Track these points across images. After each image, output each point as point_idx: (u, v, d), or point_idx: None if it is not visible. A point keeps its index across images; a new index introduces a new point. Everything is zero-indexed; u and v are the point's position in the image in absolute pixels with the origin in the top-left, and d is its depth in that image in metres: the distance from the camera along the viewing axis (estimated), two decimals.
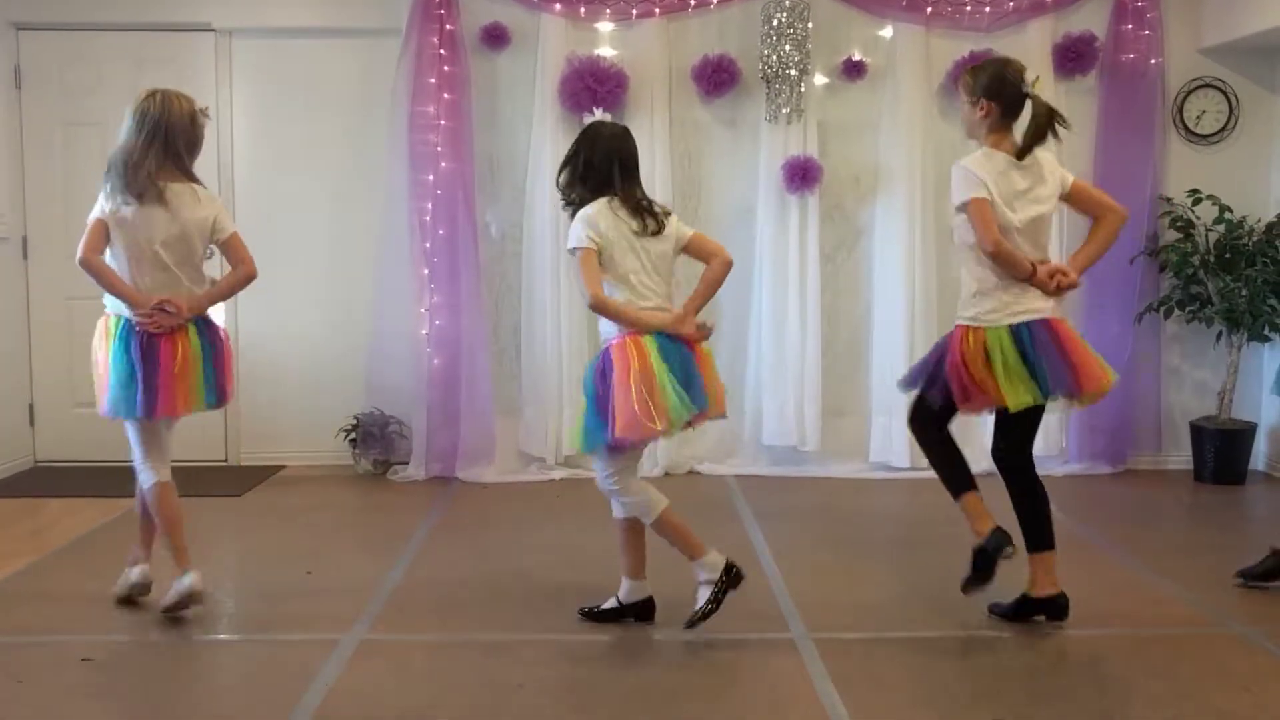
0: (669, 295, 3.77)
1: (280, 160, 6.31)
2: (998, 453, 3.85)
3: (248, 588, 4.32)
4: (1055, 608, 3.78)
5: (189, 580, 3.82)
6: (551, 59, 6.05)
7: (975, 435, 5.47)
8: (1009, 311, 3.67)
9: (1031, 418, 3.78)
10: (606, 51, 6.11)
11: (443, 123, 6.01)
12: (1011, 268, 3.64)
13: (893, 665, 3.55)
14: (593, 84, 5.93)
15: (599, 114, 3.91)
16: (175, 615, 3.85)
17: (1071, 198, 3.82)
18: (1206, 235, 6.09)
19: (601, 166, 3.71)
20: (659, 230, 3.73)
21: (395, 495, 5.86)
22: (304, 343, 6.36)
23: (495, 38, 6.10)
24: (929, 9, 6.10)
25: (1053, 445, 6.12)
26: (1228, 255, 5.99)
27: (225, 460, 6.45)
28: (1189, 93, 6.23)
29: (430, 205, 6.05)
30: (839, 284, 6.29)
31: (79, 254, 3.72)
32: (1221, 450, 6.01)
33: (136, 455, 3.91)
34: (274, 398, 6.36)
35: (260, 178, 6.31)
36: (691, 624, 3.73)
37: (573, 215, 3.75)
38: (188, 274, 3.87)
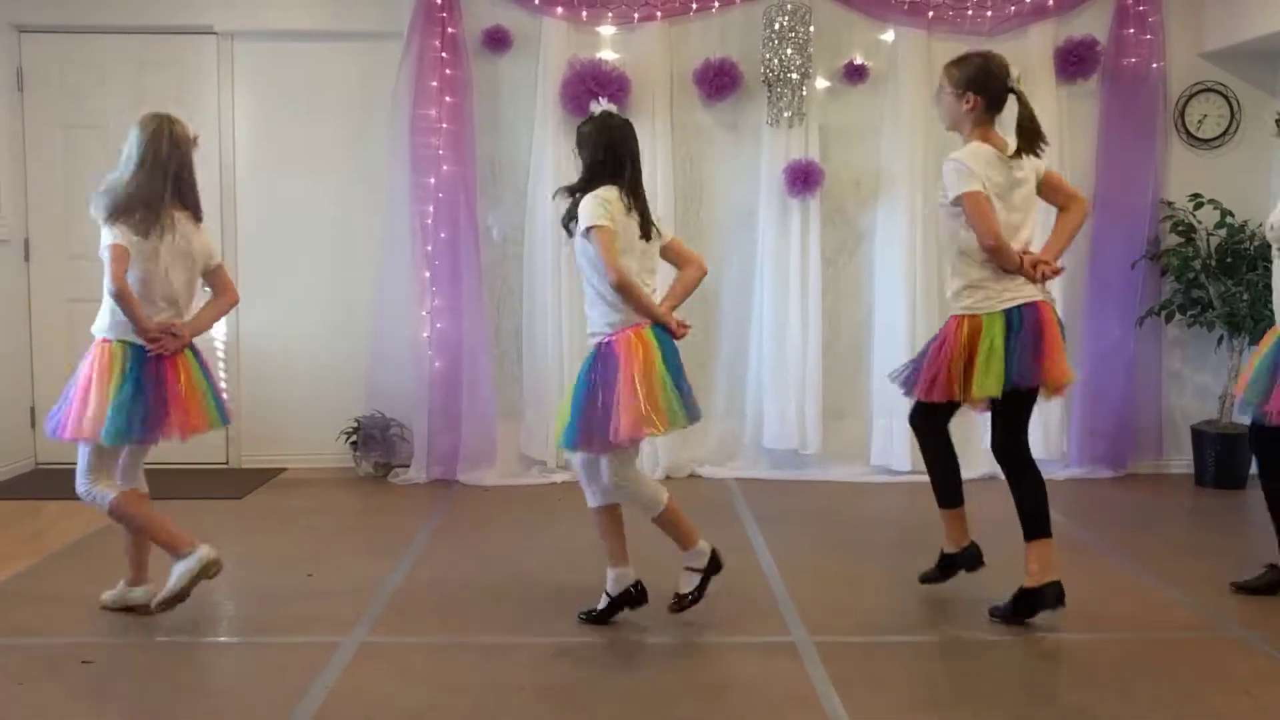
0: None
1: (282, 163, 6.31)
2: (996, 446, 3.89)
3: (248, 590, 4.32)
4: (1053, 593, 3.80)
5: (202, 551, 3.80)
6: (553, 62, 6.06)
7: (975, 436, 5.50)
8: (1002, 298, 3.73)
9: (1026, 409, 3.83)
10: (608, 55, 6.12)
11: (444, 126, 6.02)
12: (1005, 260, 3.70)
13: (893, 668, 3.55)
14: (594, 87, 5.92)
15: (605, 104, 3.91)
16: (186, 592, 3.79)
17: (1043, 187, 3.90)
18: (1208, 239, 6.09)
19: (619, 157, 3.73)
20: (650, 237, 3.78)
21: (396, 498, 5.86)
22: (305, 345, 6.36)
23: (497, 41, 6.11)
24: (930, 13, 6.10)
25: (1054, 449, 6.12)
26: (1229, 259, 6.00)
27: (226, 463, 6.46)
28: (1190, 97, 6.23)
29: (432, 208, 6.05)
30: (840, 287, 6.29)
31: (113, 286, 3.68)
32: (1222, 455, 6.01)
33: (86, 480, 3.82)
34: (275, 400, 6.36)
35: (262, 180, 6.32)
36: (681, 608, 3.80)
37: (573, 201, 3.74)
38: (185, 300, 3.94)
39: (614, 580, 3.84)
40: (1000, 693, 3.36)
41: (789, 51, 5.98)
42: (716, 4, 6.13)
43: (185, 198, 3.88)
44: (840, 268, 6.30)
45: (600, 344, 3.69)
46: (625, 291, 3.62)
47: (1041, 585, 3.78)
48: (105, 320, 3.82)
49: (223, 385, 5.92)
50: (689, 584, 3.81)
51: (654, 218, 3.81)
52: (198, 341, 3.98)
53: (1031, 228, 3.84)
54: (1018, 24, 6.13)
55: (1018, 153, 3.74)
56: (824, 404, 6.19)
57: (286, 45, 6.28)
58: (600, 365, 3.65)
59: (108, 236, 3.73)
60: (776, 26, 5.98)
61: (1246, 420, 4.45)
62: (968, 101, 3.77)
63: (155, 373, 3.79)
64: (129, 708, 3.29)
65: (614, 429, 3.55)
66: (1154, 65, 6.10)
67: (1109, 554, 4.77)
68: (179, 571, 3.80)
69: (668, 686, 3.42)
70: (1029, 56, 6.06)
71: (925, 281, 6.10)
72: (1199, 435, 6.11)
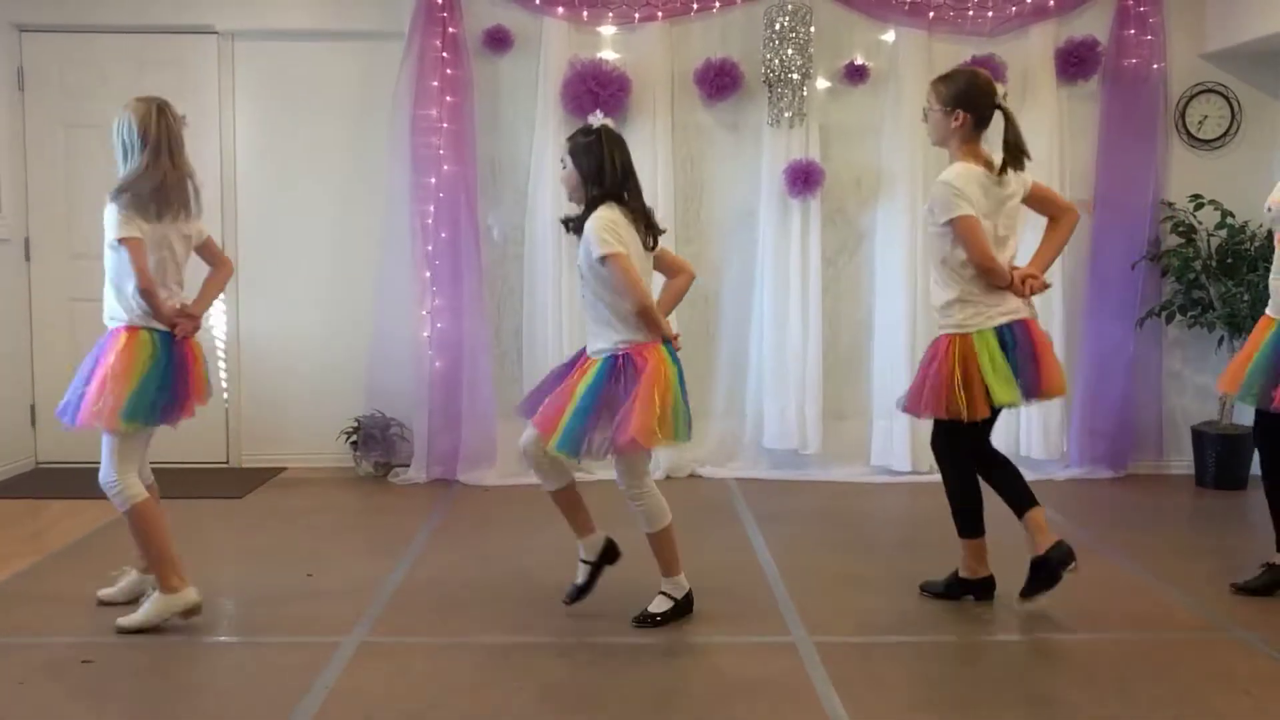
0: None
1: (282, 163, 6.31)
2: (966, 450, 3.97)
3: (248, 590, 4.32)
4: (1061, 552, 3.82)
5: (188, 595, 3.80)
6: (554, 62, 6.06)
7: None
8: (992, 315, 3.79)
9: (996, 418, 3.92)
10: (609, 55, 6.12)
11: (445, 126, 6.02)
12: (996, 278, 3.77)
13: (893, 668, 3.55)
14: (595, 87, 5.93)
15: (600, 117, 3.91)
16: (156, 628, 3.78)
17: (1031, 199, 3.93)
18: (1208, 240, 6.10)
19: (621, 172, 3.74)
20: (656, 245, 3.81)
21: (396, 498, 5.87)
22: (306, 345, 6.36)
23: (498, 41, 6.11)
24: (931, 13, 6.10)
25: (1054, 450, 6.12)
26: (1229, 260, 6.00)
27: (226, 462, 6.45)
28: (1191, 98, 6.23)
29: (432, 208, 6.05)
30: (840, 287, 6.29)
31: (141, 283, 3.65)
32: (1223, 455, 6.01)
33: (114, 472, 3.78)
34: (275, 400, 6.36)
35: (262, 180, 6.32)
36: (574, 599, 3.97)
37: (583, 214, 3.75)
38: (179, 279, 3.91)
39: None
40: (1000, 692, 3.37)
41: (790, 52, 5.98)
42: (717, 4, 6.13)
43: (184, 175, 3.86)
44: (840, 268, 6.30)
45: (619, 356, 3.68)
46: (648, 316, 3.66)
47: (1048, 551, 3.83)
48: (123, 307, 3.76)
49: (223, 386, 5.93)
50: (583, 575, 3.98)
51: (655, 220, 3.83)
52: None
53: (1017, 241, 3.91)
54: (1018, 25, 6.13)
55: (1003, 169, 3.79)
56: (824, 404, 6.19)
57: (287, 45, 6.28)
58: (621, 376, 3.65)
59: (121, 230, 3.65)
60: (777, 27, 5.99)
61: (1248, 416, 4.45)
62: (956, 118, 3.80)
63: (180, 357, 3.82)
64: (129, 708, 3.29)
65: (628, 435, 3.55)
66: (1155, 66, 6.10)
67: (1109, 554, 4.77)
68: (157, 607, 3.79)
69: (668, 686, 3.42)
70: (1030, 57, 6.07)
71: (925, 281, 6.06)
72: (1199, 436, 6.11)
